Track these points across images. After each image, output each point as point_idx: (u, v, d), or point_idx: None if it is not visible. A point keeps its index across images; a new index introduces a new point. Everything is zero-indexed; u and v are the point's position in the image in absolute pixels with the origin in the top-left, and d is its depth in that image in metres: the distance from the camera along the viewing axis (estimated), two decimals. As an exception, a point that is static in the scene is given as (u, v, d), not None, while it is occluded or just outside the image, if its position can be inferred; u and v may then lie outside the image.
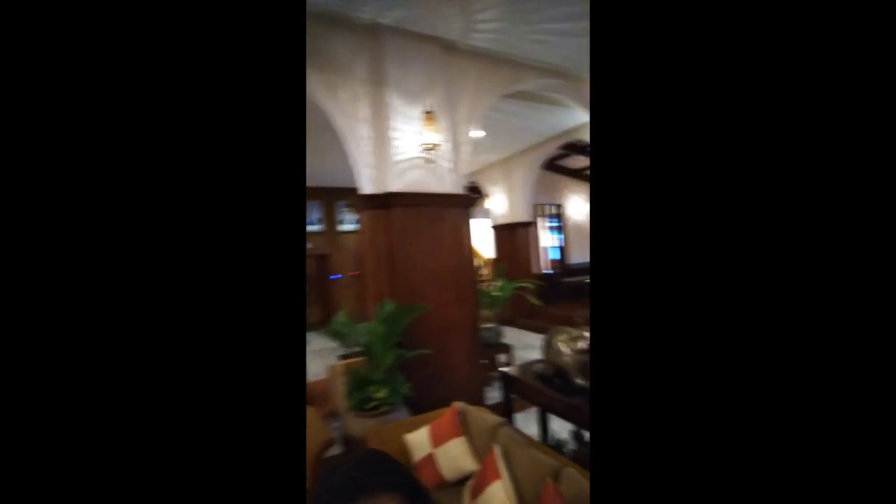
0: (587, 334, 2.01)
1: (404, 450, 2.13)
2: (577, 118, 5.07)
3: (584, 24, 3.05)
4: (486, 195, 7.71)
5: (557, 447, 2.40)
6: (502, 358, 4.41)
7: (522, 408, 3.12)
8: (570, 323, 2.18)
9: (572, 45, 3.35)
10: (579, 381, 2.01)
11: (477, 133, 3.46)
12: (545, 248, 8.77)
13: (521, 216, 7.06)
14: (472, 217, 3.41)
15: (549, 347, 2.21)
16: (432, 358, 2.89)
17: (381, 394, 2.49)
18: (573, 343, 2.06)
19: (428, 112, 3.01)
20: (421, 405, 2.58)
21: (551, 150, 6.35)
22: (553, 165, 8.07)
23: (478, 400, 3.17)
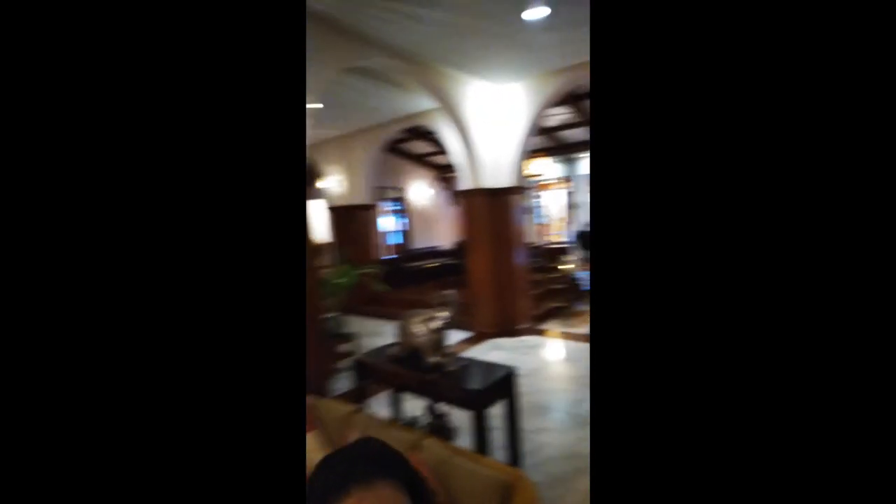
0: (440, 314, 2.23)
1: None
2: (421, 104, 5.34)
3: (435, 13, 3.22)
4: (321, 174, 7.39)
5: (413, 424, 2.59)
6: (347, 347, 4.40)
7: (374, 393, 3.21)
8: (423, 305, 2.36)
9: (422, 31, 3.50)
10: (433, 358, 2.22)
11: (315, 105, 3.29)
12: (386, 233, 8.99)
13: (361, 198, 7.06)
14: (308, 198, 3.26)
15: (403, 330, 2.35)
16: (273, 355, 2.68)
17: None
18: (427, 323, 2.25)
19: (261, 74, 2.70)
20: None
21: (393, 132, 6.50)
22: (394, 149, 8.28)
23: (325, 392, 3.12)
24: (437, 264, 8.21)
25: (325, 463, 0.51)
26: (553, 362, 4.55)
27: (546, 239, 10.05)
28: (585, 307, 6.45)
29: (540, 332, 5.40)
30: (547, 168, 7.21)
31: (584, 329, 5.41)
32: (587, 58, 4.23)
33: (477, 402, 1.98)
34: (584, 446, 2.65)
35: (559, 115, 6.48)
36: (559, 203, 10.80)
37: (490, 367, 2.28)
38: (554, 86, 4.64)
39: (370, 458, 0.50)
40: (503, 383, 2.15)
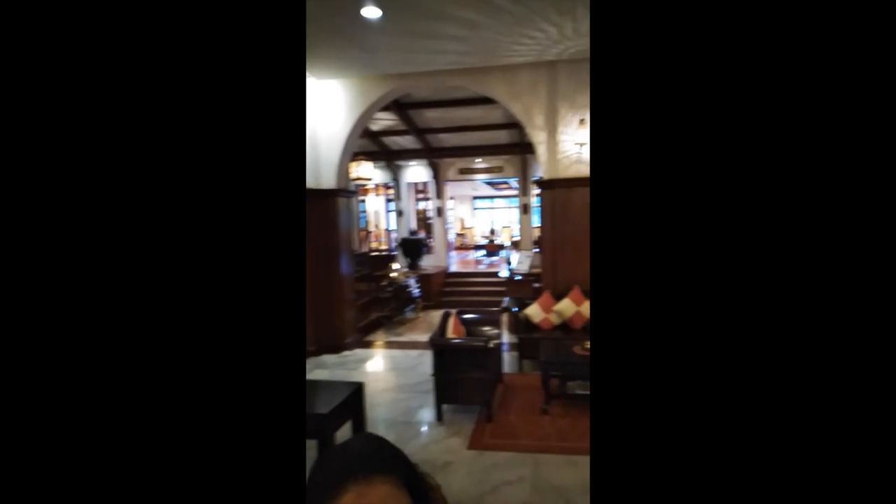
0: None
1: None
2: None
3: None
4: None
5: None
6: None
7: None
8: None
9: None
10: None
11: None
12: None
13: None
14: None
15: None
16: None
17: None
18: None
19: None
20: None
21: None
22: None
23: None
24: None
25: (322, 459, 0.52)
26: (382, 374, 4.62)
27: (370, 246, 10.19)
28: (413, 314, 6.79)
29: (367, 345, 5.41)
30: (371, 173, 7.33)
31: (413, 336, 5.70)
32: (416, 68, 4.53)
33: (324, 429, 1.85)
34: (424, 454, 2.78)
35: (385, 121, 6.70)
36: (383, 209, 11.12)
37: (334, 386, 2.17)
38: (382, 90, 4.77)
39: (369, 454, 0.51)
40: (351, 401, 2.07)
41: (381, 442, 0.54)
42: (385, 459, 0.50)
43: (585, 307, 4.18)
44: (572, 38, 3.78)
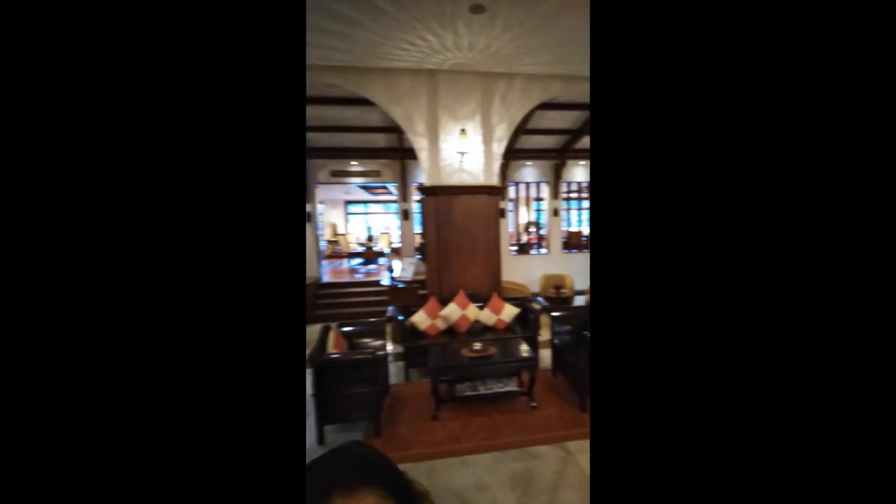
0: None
1: None
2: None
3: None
4: None
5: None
6: None
7: None
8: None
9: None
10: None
11: None
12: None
13: None
14: None
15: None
16: None
17: None
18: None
19: None
20: None
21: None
22: None
23: None
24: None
25: (308, 468, 0.51)
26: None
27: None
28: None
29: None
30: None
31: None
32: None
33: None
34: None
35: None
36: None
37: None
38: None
39: (353, 465, 0.51)
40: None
41: (365, 450, 0.54)
42: (371, 468, 0.50)
43: (470, 310, 4.45)
44: (452, 50, 4.04)
